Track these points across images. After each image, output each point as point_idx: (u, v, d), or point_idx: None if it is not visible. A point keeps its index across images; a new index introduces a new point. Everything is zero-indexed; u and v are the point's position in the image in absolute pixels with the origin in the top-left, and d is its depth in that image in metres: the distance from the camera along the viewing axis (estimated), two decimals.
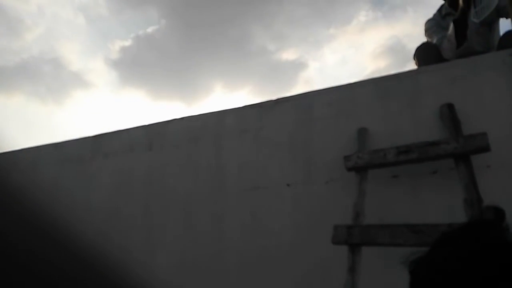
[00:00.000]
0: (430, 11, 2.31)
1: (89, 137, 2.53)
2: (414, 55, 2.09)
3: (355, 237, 1.36)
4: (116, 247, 2.03)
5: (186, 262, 1.96)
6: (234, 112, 2.13)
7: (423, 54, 2.04)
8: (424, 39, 2.20)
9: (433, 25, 2.16)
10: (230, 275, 1.84)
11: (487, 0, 1.83)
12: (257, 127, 2.03)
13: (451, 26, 1.89)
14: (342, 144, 1.74)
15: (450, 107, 1.51)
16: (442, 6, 2.21)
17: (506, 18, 1.89)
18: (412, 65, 2.23)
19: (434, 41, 2.05)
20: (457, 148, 1.35)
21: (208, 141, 2.16)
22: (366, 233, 1.36)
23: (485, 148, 1.31)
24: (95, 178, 2.40)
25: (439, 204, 1.49)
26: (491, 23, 2.01)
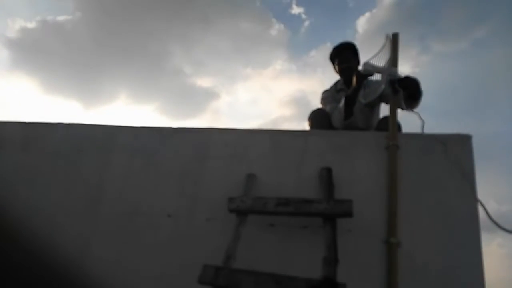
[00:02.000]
0: (334, 78, 2.60)
1: None
2: (309, 117, 2.31)
3: (221, 280, 1.38)
4: None
5: None
6: (130, 131, 2.05)
7: (316, 118, 2.27)
8: (320, 105, 2.47)
9: (328, 96, 2.45)
10: None
11: (374, 86, 2.14)
12: (150, 151, 1.98)
13: (343, 100, 2.15)
14: (230, 185, 1.79)
15: (328, 171, 1.68)
16: (338, 81, 2.52)
17: (386, 103, 2.23)
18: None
19: (327, 109, 2.31)
20: (326, 209, 1.49)
21: (93, 155, 2.03)
22: (233, 277, 1.39)
23: (349, 214, 1.47)
24: None
25: (305, 258, 1.60)
26: (373, 106, 2.35)
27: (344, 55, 2.46)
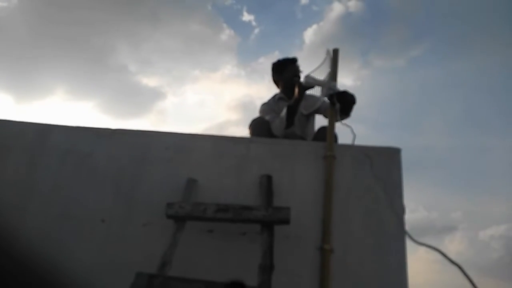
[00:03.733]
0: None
1: None
2: (250, 125, 2.35)
3: None
4: None
5: None
6: (63, 130, 1.94)
7: (257, 126, 2.31)
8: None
9: (267, 108, 2.54)
10: None
11: (313, 99, 2.24)
12: (85, 152, 1.88)
13: (285, 109, 2.22)
14: (169, 190, 1.76)
15: (268, 178, 1.71)
16: (276, 94, 2.63)
17: (325, 117, 2.33)
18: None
19: (267, 118, 2.36)
20: (265, 216, 1.51)
21: (22, 154, 1.89)
22: (166, 285, 1.36)
23: (286, 221, 1.51)
24: None
25: (243, 264, 1.61)
26: (309, 116, 2.46)
27: (296, 65, 2.57)
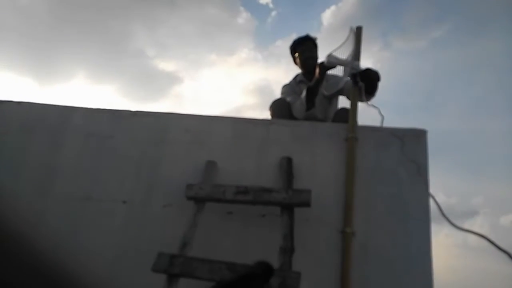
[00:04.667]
0: (298, 69, 2.60)
1: None
2: (270, 107, 2.31)
3: (175, 268, 1.35)
4: None
5: None
6: (84, 112, 1.96)
7: (278, 108, 2.27)
8: None
9: (288, 90, 2.48)
10: None
11: (335, 79, 2.17)
12: (106, 134, 1.90)
13: (305, 91, 2.16)
14: (188, 172, 1.75)
15: (288, 160, 1.68)
16: (297, 75, 2.55)
17: (348, 98, 2.26)
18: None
19: (288, 100, 2.31)
20: (285, 199, 1.49)
21: (45, 136, 1.92)
22: (188, 265, 1.36)
23: (307, 203, 1.49)
24: None
25: (262, 246, 1.60)
26: (331, 98, 2.39)
27: (306, 46, 2.47)
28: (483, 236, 1.26)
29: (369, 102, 1.85)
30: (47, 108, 1.99)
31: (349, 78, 1.86)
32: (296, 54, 2.51)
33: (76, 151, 1.87)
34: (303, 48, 2.47)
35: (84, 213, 1.74)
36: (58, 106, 1.99)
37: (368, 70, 1.87)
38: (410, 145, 1.70)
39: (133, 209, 1.73)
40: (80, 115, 1.95)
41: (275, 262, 1.38)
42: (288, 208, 1.49)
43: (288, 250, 1.35)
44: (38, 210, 1.76)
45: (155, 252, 1.46)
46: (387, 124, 1.79)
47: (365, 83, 1.82)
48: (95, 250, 1.67)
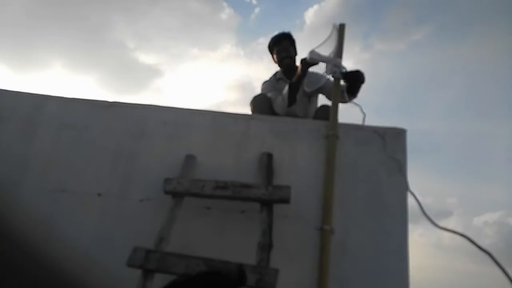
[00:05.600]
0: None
1: None
2: (251, 102, 2.29)
3: (151, 263, 1.32)
4: None
5: None
6: (59, 101, 1.89)
7: (259, 104, 2.25)
8: None
9: (268, 86, 2.48)
10: None
11: (316, 77, 2.17)
12: (82, 125, 1.84)
13: (286, 87, 2.16)
14: (167, 165, 1.72)
15: (268, 156, 1.67)
16: (277, 72, 2.55)
17: (327, 97, 2.26)
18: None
19: (269, 95, 2.30)
20: (264, 195, 1.48)
21: (18, 125, 1.84)
22: (164, 260, 1.34)
23: (287, 200, 1.48)
24: None
25: (240, 242, 1.59)
26: (311, 96, 2.39)
27: (282, 45, 2.47)
28: (465, 236, 1.27)
29: (350, 101, 1.86)
30: (20, 96, 1.91)
31: (330, 76, 1.85)
32: (274, 53, 2.51)
33: (50, 142, 1.80)
34: (279, 48, 2.47)
35: (58, 205, 1.68)
36: (32, 94, 1.92)
37: (356, 72, 1.88)
38: (390, 143, 1.71)
39: (109, 202, 1.69)
40: (55, 104, 1.88)
41: (253, 258, 1.37)
42: (267, 205, 1.48)
43: (266, 246, 1.34)
44: (9, 202, 1.69)
45: (131, 247, 1.42)
46: (367, 123, 1.80)
47: (350, 83, 1.82)
48: (69, 243, 1.61)
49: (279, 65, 2.51)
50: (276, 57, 2.49)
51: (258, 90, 2.56)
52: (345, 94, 1.83)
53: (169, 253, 1.38)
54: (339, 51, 1.86)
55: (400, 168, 1.64)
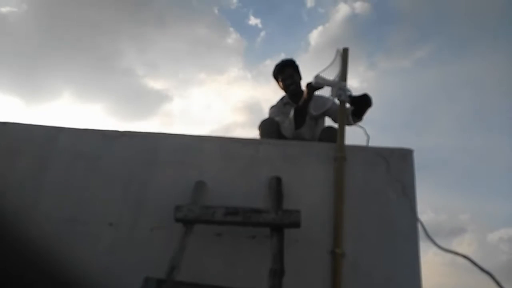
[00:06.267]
0: None
1: None
2: (259, 126, 2.33)
3: None
4: None
5: None
6: (71, 132, 1.93)
7: (267, 127, 2.29)
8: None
9: (276, 111, 2.53)
10: None
11: (322, 100, 2.21)
12: (94, 155, 1.87)
13: (292, 111, 2.19)
14: (177, 193, 1.73)
15: (277, 180, 1.68)
16: (283, 97, 2.60)
17: (334, 121, 2.29)
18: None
19: (277, 119, 2.34)
20: (274, 219, 1.48)
21: (30, 156, 1.89)
22: None
23: (297, 224, 1.48)
24: None
25: (252, 268, 1.58)
26: (318, 119, 2.43)
27: (286, 72, 2.53)
28: (465, 257, 1.27)
29: (355, 124, 1.89)
30: (33, 128, 1.96)
31: (336, 99, 1.88)
32: (279, 80, 2.57)
33: (62, 172, 1.84)
34: (283, 76, 2.53)
35: (69, 235, 1.70)
36: (44, 126, 1.97)
37: (364, 96, 1.92)
38: (396, 164, 1.72)
39: (120, 232, 1.70)
40: (67, 135, 1.93)
41: (265, 285, 1.36)
42: (277, 229, 1.48)
43: (278, 272, 1.34)
44: (24, 231, 1.71)
45: (142, 277, 1.43)
46: (374, 142, 1.82)
47: (357, 107, 1.85)
48: (81, 274, 1.62)
49: (285, 92, 2.56)
50: (282, 85, 2.55)
51: (265, 111, 2.61)
52: (350, 117, 1.86)
53: (180, 282, 1.38)
54: (343, 75, 1.89)
55: (405, 190, 1.63)
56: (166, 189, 1.77)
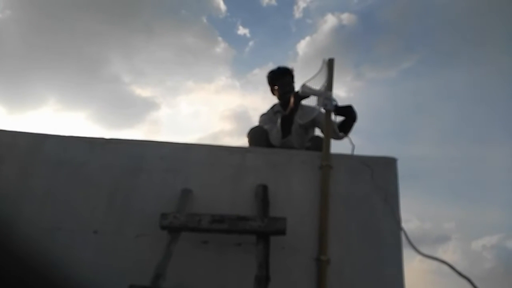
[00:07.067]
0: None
1: None
2: (248, 134, 2.34)
3: None
4: None
5: None
6: (56, 140, 1.92)
7: (255, 135, 2.30)
8: None
9: (266, 119, 2.54)
10: None
11: (309, 109, 2.24)
12: (79, 162, 1.86)
13: (279, 119, 2.22)
14: (163, 200, 1.73)
15: (264, 188, 1.69)
16: (274, 105, 2.62)
17: (321, 131, 2.32)
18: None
19: (265, 127, 2.36)
20: (260, 227, 1.49)
21: (14, 163, 1.86)
22: None
23: (283, 232, 1.49)
24: None
25: (238, 275, 1.59)
26: (307, 128, 2.45)
27: (285, 80, 2.54)
28: (444, 262, 1.30)
29: (340, 138, 1.94)
30: (17, 135, 1.94)
31: (322, 108, 1.91)
32: (275, 87, 2.57)
33: (46, 180, 1.82)
34: (282, 83, 2.54)
35: (53, 243, 1.68)
36: (29, 133, 1.95)
37: (348, 107, 1.96)
38: (380, 173, 1.75)
39: (105, 239, 1.69)
40: (52, 142, 1.91)
41: None
42: (263, 237, 1.49)
43: (263, 279, 1.34)
44: (6, 240, 1.68)
45: (127, 284, 1.41)
46: (360, 151, 1.85)
47: (342, 117, 1.89)
48: (65, 281, 1.60)
49: (279, 98, 2.56)
50: (278, 91, 2.55)
51: (253, 120, 2.63)
52: (337, 132, 1.90)
53: None
54: (329, 84, 1.93)
55: (390, 197, 1.67)
56: (152, 197, 1.76)
